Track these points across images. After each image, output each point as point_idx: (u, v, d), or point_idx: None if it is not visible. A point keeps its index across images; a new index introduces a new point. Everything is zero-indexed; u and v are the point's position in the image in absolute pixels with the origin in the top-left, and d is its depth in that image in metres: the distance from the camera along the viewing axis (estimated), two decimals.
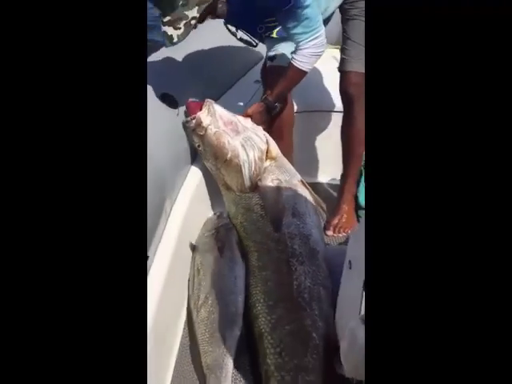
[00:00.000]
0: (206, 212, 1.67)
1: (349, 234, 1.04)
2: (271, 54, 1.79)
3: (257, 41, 1.76)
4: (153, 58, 1.80)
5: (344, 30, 1.71)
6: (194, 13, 1.44)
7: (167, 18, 1.45)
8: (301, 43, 1.54)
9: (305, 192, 1.51)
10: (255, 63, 2.16)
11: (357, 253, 1.00)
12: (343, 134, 1.76)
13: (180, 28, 1.45)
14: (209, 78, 1.89)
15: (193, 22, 1.46)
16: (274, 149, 1.55)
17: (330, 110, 2.01)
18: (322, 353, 1.18)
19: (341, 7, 1.72)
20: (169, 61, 1.82)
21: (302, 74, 1.62)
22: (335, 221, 1.77)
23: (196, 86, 1.77)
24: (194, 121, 1.53)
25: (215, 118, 1.53)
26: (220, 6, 1.43)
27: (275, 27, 1.71)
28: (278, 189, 1.48)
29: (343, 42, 1.72)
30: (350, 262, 1.10)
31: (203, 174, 1.64)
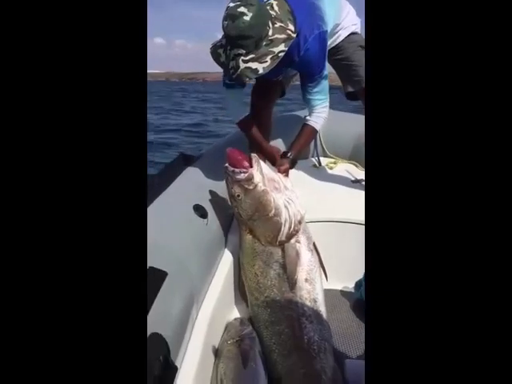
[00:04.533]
0: (227, 316, 1.75)
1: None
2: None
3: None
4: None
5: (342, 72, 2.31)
6: (281, 47, 1.56)
7: (250, 56, 1.50)
8: (317, 107, 1.96)
9: (316, 258, 1.76)
10: None
11: None
12: None
13: (266, 61, 1.54)
14: None
15: (280, 54, 1.57)
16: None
17: (345, 221, 2.10)
18: None
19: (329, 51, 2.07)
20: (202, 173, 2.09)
21: (316, 132, 2.05)
22: None
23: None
24: (243, 174, 1.59)
25: (263, 175, 1.63)
26: None
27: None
28: (299, 252, 1.69)
29: (345, 75, 2.33)
30: None
31: (226, 276, 1.73)
